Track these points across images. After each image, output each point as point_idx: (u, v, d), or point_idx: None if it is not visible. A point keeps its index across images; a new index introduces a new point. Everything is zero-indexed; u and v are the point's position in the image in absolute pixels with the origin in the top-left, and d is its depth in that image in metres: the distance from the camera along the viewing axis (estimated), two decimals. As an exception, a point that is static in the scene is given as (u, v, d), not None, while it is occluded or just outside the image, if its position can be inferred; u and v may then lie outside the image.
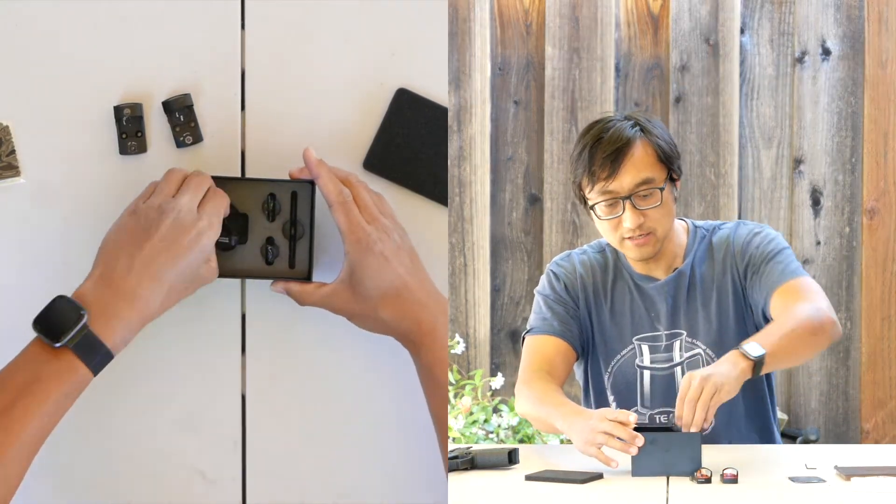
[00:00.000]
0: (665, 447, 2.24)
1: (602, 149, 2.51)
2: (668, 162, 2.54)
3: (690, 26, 3.95)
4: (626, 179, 2.50)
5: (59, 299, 1.88)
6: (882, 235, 3.96)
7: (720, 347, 2.56)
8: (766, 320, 2.53)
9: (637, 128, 2.54)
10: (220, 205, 1.97)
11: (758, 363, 2.31)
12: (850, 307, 3.97)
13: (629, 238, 2.54)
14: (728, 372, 2.28)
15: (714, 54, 3.95)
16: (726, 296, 2.60)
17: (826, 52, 3.96)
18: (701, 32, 3.95)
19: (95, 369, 1.88)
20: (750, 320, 2.59)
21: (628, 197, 2.50)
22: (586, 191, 2.54)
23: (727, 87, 3.95)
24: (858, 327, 3.97)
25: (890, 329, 3.96)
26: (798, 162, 3.96)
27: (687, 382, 2.25)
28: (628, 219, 2.51)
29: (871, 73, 3.95)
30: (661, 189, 2.52)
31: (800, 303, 2.47)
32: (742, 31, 3.96)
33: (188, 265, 1.93)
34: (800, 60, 3.96)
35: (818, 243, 3.96)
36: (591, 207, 2.54)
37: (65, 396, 1.87)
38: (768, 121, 3.96)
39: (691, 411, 2.24)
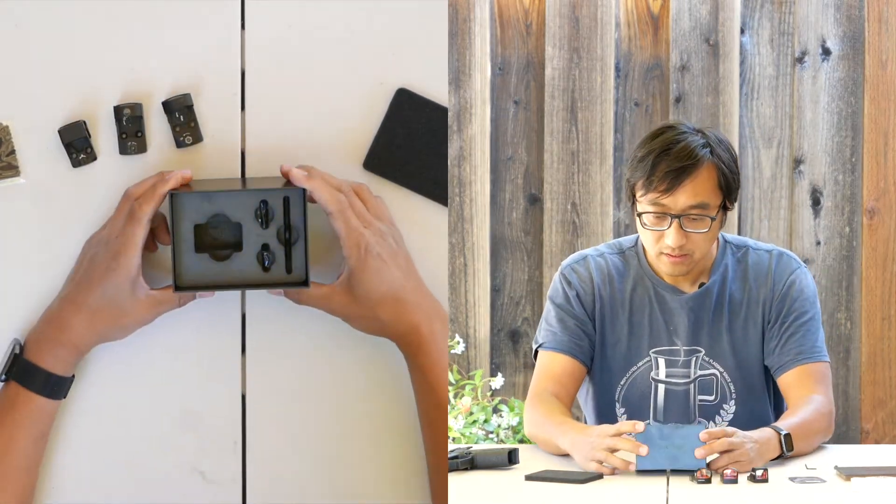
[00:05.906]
0: (668, 441, 2.24)
1: (668, 161, 2.46)
2: (727, 190, 2.51)
3: (690, 26, 3.95)
4: (681, 199, 2.46)
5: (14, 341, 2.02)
6: (882, 235, 3.96)
7: (738, 373, 2.56)
8: (770, 375, 2.59)
9: (707, 148, 2.49)
10: (137, 222, 1.98)
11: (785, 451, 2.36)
12: (850, 307, 3.97)
13: (666, 254, 2.52)
14: (762, 454, 2.31)
15: (714, 54, 3.95)
16: (754, 326, 2.58)
17: (826, 52, 3.96)
18: (701, 32, 3.95)
19: (44, 392, 1.98)
20: (762, 356, 2.60)
21: (678, 216, 2.48)
22: (638, 194, 2.50)
23: (727, 87, 3.95)
24: (858, 327, 3.96)
25: (890, 329, 3.96)
26: (798, 162, 3.96)
27: (731, 440, 2.27)
28: (671, 237, 2.47)
29: (871, 73, 3.95)
30: (713, 219, 2.50)
31: (816, 394, 2.51)
32: (742, 31, 3.96)
33: (108, 288, 1.98)
34: (800, 60, 3.96)
35: (818, 243, 3.96)
36: (639, 214, 2.52)
37: (20, 423, 1.97)
38: (768, 121, 3.96)
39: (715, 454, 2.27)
